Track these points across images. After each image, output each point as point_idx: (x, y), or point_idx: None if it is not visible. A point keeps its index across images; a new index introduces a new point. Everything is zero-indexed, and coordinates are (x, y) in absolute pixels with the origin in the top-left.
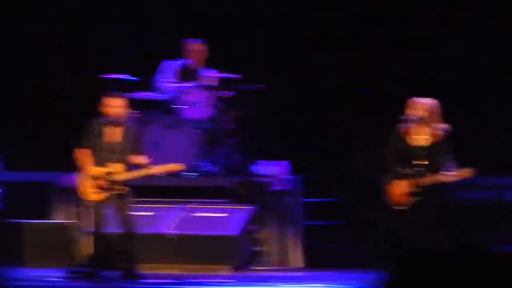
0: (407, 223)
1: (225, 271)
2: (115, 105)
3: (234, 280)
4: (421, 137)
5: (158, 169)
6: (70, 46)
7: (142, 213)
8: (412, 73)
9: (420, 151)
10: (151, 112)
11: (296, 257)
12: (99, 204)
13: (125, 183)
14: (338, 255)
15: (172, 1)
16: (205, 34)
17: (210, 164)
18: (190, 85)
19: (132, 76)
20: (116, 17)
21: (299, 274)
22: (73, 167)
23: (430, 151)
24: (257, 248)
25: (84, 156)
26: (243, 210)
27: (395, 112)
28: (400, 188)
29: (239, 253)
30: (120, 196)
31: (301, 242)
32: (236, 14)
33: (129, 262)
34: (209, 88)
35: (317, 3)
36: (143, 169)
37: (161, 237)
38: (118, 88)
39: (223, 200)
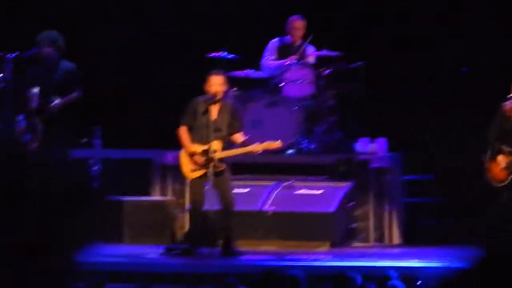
0: (508, 199)
1: (322, 247)
2: (215, 83)
3: (331, 257)
4: None
5: (256, 147)
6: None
7: (240, 190)
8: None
9: None
10: (252, 90)
11: (394, 234)
12: (197, 181)
13: (223, 160)
14: (436, 233)
15: None
16: (307, 11)
17: (310, 141)
18: (291, 62)
19: (234, 54)
20: None
21: (396, 250)
22: (171, 144)
23: None
24: (355, 225)
25: (184, 134)
26: (342, 187)
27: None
28: (501, 165)
29: (336, 230)
30: (218, 173)
31: (399, 219)
32: None
33: (227, 239)
34: (310, 65)
35: None
36: (242, 147)
37: (258, 214)
38: (220, 66)
39: (322, 178)
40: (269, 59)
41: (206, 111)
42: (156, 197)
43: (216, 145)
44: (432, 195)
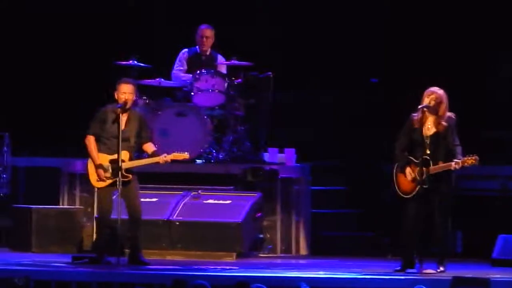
0: (413, 211)
1: (229, 257)
2: (125, 91)
3: (238, 267)
4: (432, 127)
5: (163, 158)
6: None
7: (148, 199)
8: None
9: (431, 140)
10: (161, 99)
11: (301, 244)
12: (105, 190)
13: (131, 170)
14: (344, 243)
15: None
16: (216, 20)
17: (218, 151)
18: (201, 72)
19: (143, 62)
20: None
21: (303, 261)
22: (80, 153)
23: (440, 140)
24: (262, 236)
25: (91, 143)
26: (249, 198)
27: (405, 100)
28: (408, 177)
29: (244, 240)
30: (126, 183)
31: (307, 229)
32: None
33: (134, 248)
34: (220, 75)
35: None
36: (151, 157)
37: (166, 223)
38: (129, 74)
39: (230, 187)
40: (180, 70)
41: (115, 120)
42: (64, 205)
43: (123, 155)
44: (340, 206)
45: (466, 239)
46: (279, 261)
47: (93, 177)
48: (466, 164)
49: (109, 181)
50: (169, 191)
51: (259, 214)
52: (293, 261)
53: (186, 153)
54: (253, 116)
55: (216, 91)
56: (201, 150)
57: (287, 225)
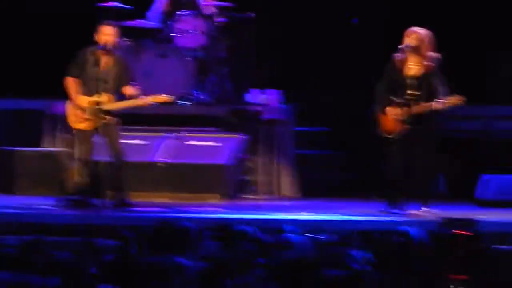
0: (397, 151)
1: (214, 199)
2: (106, 33)
3: (223, 209)
4: (414, 67)
5: (146, 100)
6: None
7: (132, 141)
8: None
9: (413, 81)
10: (143, 40)
11: (286, 186)
12: (84, 132)
13: (113, 112)
14: (328, 185)
15: None
16: None
17: (201, 92)
18: (182, 13)
19: (125, 4)
20: None
21: (287, 203)
22: (64, 94)
23: (422, 81)
24: (247, 177)
25: (73, 84)
26: (233, 139)
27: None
28: (391, 116)
29: (228, 182)
30: (107, 125)
31: (291, 171)
32: None
33: (119, 190)
34: (202, 16)
35: None
36: (132, 100)
37: (150, 165)
38: (111, 16)
39: (213, 129)
40: (155, 7)
41: (95, 62)
42: (47, 148)
43: (106, 97)
44: (324, 147)
45: (449, 180)
46: (262, 202)
47: (72, 119)
48: (450, 103)
49: (88, 123)
50: (153, 132)
51: (243, 156)
52: (277, 202)
53: (167, 96)
54: (236, 57)
55: (198, 32)
56: (184, 92)
57: (271, 167)
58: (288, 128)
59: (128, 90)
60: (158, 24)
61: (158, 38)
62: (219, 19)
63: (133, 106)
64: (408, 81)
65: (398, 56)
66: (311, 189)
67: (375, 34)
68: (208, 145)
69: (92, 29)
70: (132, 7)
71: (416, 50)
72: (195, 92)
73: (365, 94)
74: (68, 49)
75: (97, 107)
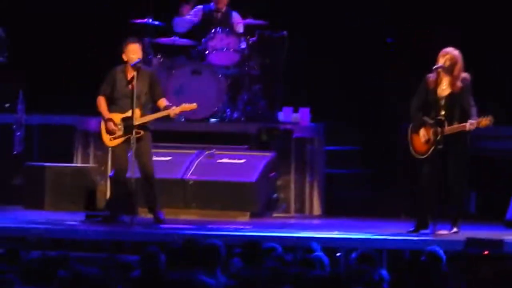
0: (428, 172)
1: (243, 217)
2: (131, 50)
3: (252, 226)
4: (447, 87)
5: (173, 111)
6: None
7: (162, 158)
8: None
9: (446, 101)
10: (176, 57)
11: (315, 205)
12: (119, 148)
13: (143, 127)
14: (358, 204)
15: None
16: None
17: (233, 110)
18: (216, 30)
19: (158, 20)
20: None
21: (317, 221)
22: (95, 111)
23: (455, 101)
24: (276, 195)
25: (102, 102)
26: (264, 157)
27: (422, 62)
28: (422, 137)
29: (257, 200)
30: (139, 140)
31: (321, 190)
32: None
33: (151, 206)
34: (235, 33)
35: None
36: (160, 111)
37: (180, 182)
38: (144, 33)
39: (245, 147)
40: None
41: (125, 79)
42: (78, 163)
43: (136, 112)
44: (355, 166)
45: (480, 200)
46: (292, 221)
47: (106, 137)
48: (481, 125)
49: (121, 139)
50: (184, 149)
51: (273, 174)
52: (307, 221)
53: (194, 103)
54: (268, 75)
55: (231, 50)
56: (216, 109)
57: (301, 185)
58: (319, 147)
59: (162, 103)
60: (178, 29)
61: (191, 55)
62: (251, 37)
63: (162, 116)
64: (442, 101)
65: (431, 76)
66: (341, 208)
67: (408, 53)
68: (239, 163)
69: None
70: (165, 23)
71: (449, 71)
72: (227, 109)
73: (395, 114)
74: (100, 66)
75: (126, 122)
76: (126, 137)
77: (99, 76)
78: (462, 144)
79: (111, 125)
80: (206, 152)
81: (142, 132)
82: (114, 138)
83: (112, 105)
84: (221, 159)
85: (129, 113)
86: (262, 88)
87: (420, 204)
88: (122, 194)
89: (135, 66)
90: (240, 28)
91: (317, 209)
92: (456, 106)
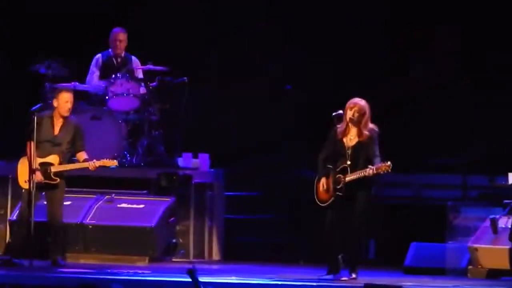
0: (330, 220)
1: (142, 262)
2: (63, 99)
3: (150, 271)
4: (353, 137)
5: (92, 164)
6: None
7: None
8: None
9: (351, 151)
10: (77, 103)
11: (214, 250)
12: (29, 193)
13: (59, 175)
14: (257, 249)
15: None
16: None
17: (132, 155)
18: (116, 76)
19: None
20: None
21: (216, 266)
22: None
23: (359, 150)
24: (176, 240)
25: (29, 147)
26: (163, 202)
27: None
28: (321, 186)
29: (157, 245)
30: (52, 186)
31: (220, 235)
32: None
33: (53, 251)
34: (135, 79)
35: None
36: (79, 162)
37: (79, 226)
38: (45, 78)
39: (143, 192)
40: (95, 75)
41: (50, 126)
42: None
43: (53, 158)
44: (254, 212)
45: (379, 246)
46: (192, 266)
47: (21, 178)
48: (380, 171)
49: (36, 184)
50: (83, 194)
51: (172, 219)
52: (206, 266)
53: (115, 160)
54: (168, 121)
55: (131, 95)
56: (116, 154)
57: (200, 230)
58: (219, 192)
59: (80, 156)
60: (92, 89)
61: (92, 100)
62: (152, 83)
63: (80, 168)
64: (348, 151)
65: (340, 127)
66: (241, 253)
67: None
68: (138, 208)
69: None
70: (67, 70)
71: (357, 122)
72: (127, 154)
73: (295, 159)
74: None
75: (43, 168)
76: (42, 183)
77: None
78: (364, 191)
79: (39, 175)
80: (106, 197)
81: (57, 180)
82: (28, 182)
83: (36, 148)
84: (120, 203)
85: (48, 159)
86: (162, 133)
87: (327, 250)
88: (24, 237)
89: (62, 115)
90: (139, 74)
91: (216, 254)
92: (361, 155)
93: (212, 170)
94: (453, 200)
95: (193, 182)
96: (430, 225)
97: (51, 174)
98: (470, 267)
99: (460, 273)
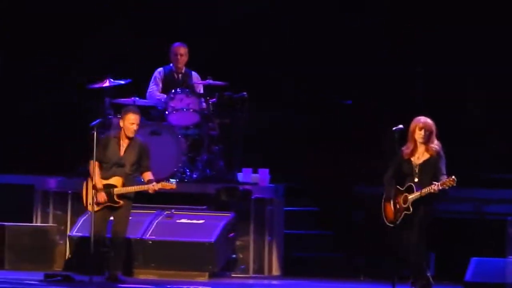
0: (402, 238)
1: (201, 277)
2: (133, 122)
3: (211, 287)
4: (420, 156)
5: (152, 187)
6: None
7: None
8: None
9: (418, 168)
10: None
11: (274, 265)
12: (98, 214)
13: (123, 196)
14: (317, 265)
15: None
16: (193, 39)
17: (192, 170)
18: (176, 91)
19: (118, 80)
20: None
21: (276, 282)
22: (54, 170)
23: (426, 167)
24: (235, 256)
25: (98, 169)
26: (223, 217)
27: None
28: (393, 206)
29: (217, 260)
30: (117, 208)
31: (280, 250)
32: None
33: (113, 267)
34: (195, 94)
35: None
36: (141, 185)
37: (139, 242)
38: (103, 93)
39: (204, 207)
40: (155, 89)
41: (117, 147)
42: (37, 223)
43: (116, 180)
44: (314, 227)
45: (439, 261)
46: (251, 281)
47: (86, 200)
48: (445, 186)
49: (100, 206)
50: (143, 209)
51: (232, 234)
52: (266, 281)
53: (173, 183)
54: (228, 136)
55: (191, 110)
56: (175, 169)
57: (260, 246)
58: (278, 207)
59: (145, 176)
60: (151, 102)
61: (151, 115)
62: (212, 98)
63: (141, 190)
64: (415, 169)
65: (406, 148)
66: (300, 268)
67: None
68: (198, 223)
69: (87, 108)
70: (125, 83)
71: (426, 141)
72: (186, 170)
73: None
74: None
75: (107, 190)
76: (106, 205)
77: (57, 137)
78: (426, 206)
79: (102, 196)
80: (165, 212)
81: (121, 202)
82: (94, 203)
83: (101, 169)
84: (180, 219)
85: (111, 181)
86: (221, 148)
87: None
88: (83, 254)
89: (128, 136)
90: (200, 89)
91: (276, 270)
92: (429, 172)
93: (271, 185)
94: None
95: (252, 197)
96: (490, 240)
97: (114, 197)
98: None
99: None
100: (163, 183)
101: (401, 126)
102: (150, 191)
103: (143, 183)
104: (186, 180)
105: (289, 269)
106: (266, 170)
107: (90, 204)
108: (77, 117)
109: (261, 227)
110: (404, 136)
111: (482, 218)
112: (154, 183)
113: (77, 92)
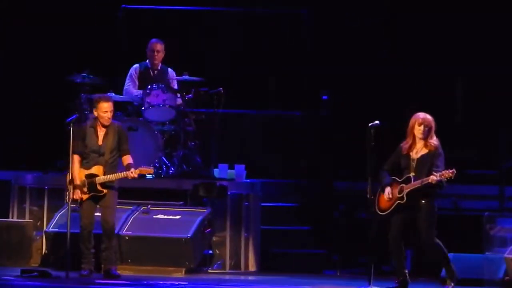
0: (394, 229)
1: (178, 273)
2: (106, 110)
3: (187, 283)
4: (418, 150)
5: (131, 173)
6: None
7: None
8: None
9: (415, 162)
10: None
11: (251, 261)
12: (86, 204)
13: (107, 185)
14: (293, 260)
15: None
16: (168, 35)
17: (168, 166)
18: (152, 87)
19: (94, 76)
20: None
21: (252, 277)
22: (31, 166)
23: (424, 161)
24: (211, 251)
25: (75, 162)
26: (199, 213)
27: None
28: (387, 195)
29: (193, 256)
30: (102, 197)
31: (256, 246)
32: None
33: (107, 261)
34: (171, 90)
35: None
36: (122, 172)
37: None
38: (80, 88)
39: (179, 203)
40: (131, 86)
41: (94, 136)
42: (13, 219)
43: (97, 169)
44: (291, 223)
45: (416, 257)
46: (228, 277)
47: (70, 192)
48: (443, 177)
49: (86, 196)
50: (119, 205)
51: (208, 230)
52: (242, 277)
53: (151, 167)
54: (204, 131)
55: (167, 106)
56: (152, 165)
57: (237, 241)
58: (255, 203)
59: (125, 159)
60: (128, 98)
61: (128, 111)
62: (188, 94)
63: (120, 178)
64: (413, 163)
65: (405, 143)
66: (277, 264)
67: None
68: (174, 219)
69: (63, 101)
70: (102, 79)
71: (425, 137)
72: (163, 165)
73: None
74: (36, 121)
75: (92, 180)
76: (91, 194)
77: (36, 131)
78: (427, 202)
79: (77, 193)
80: (142, 208)
81: (104, 191)
82: (76, 194)
83: (82, 160)
84: (156, 214)
85: (92, 170)
86: (197, 144)
87: (396, 262)
88: (61, 249)
89: (104, 124)
90: (175, 84)
91: (252, 266)
92: (426, 166)
93: (248, 180)
94: (490, 211)
95: (229, 193)
96: (467, 236)
97: (97, 186)
98: (507, 278)
99: (497, 284)
100: (140, 168)
101: (377, 122)
102: (129, 178)
103: (124, 170)
104: (162, 176)
105: (265, 265)
106: (242, 166)
107: (74, 194)
108: (54, 112)
109: (238, 223)
110: (380, 132)
111: (459, 214)
112: (132, 169)
113: (53, 87)
